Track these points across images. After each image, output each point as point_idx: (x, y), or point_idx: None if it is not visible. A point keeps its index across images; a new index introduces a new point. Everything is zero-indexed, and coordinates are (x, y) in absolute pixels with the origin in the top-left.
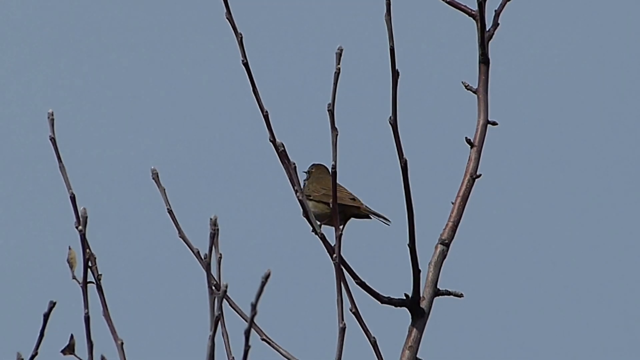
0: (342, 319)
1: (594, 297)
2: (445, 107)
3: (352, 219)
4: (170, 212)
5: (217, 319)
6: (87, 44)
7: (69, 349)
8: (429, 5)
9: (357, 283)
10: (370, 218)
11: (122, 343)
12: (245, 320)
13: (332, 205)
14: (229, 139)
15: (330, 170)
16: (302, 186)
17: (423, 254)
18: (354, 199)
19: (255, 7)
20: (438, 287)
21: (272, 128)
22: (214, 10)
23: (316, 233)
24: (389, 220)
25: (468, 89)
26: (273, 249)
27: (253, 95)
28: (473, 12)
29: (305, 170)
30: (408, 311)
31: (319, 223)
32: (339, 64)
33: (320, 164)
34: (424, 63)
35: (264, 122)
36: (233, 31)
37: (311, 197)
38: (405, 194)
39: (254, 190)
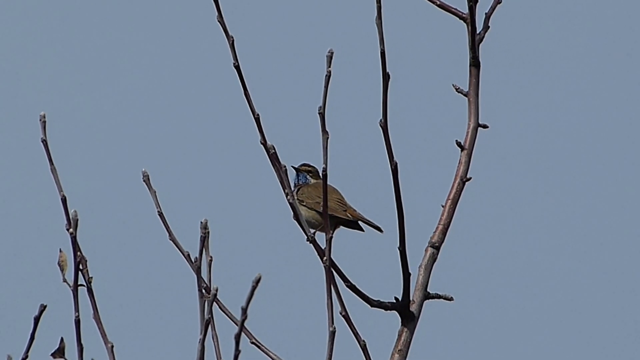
0: (332, 323)
1: (584, 299)
2: (436, 110)
3: (342, 227)
4: (160, 214)
5: (207, 323)
6: (79, 47)
7: (59, 352)
8: (420, 8)
9: (347, 286)
10: (363, 230)
11: (112, 346)
12: (236, 324)
13: (322, 209)
14: (220, 141)
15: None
16: (292, 187)
17: (413, 257)
18: (346, 209)
19: (247, 10)
20: (428, 290)
21: (263, 131)
22: (206, 13)
23: (307, 238)
24: (381, 230)
25: (459, 92)
26: (263, 252)
27: (244, 97)
28: (464, 15)
29: (296, 167)
30: (398, 314)
31: (312, 231)
32: (329, 67)
33: (314, 167)
34: (414, 66)
35: (255, 124)
36: (224, 34)
37: (304, 204)
38: (396, 197)
39: (244, 193)
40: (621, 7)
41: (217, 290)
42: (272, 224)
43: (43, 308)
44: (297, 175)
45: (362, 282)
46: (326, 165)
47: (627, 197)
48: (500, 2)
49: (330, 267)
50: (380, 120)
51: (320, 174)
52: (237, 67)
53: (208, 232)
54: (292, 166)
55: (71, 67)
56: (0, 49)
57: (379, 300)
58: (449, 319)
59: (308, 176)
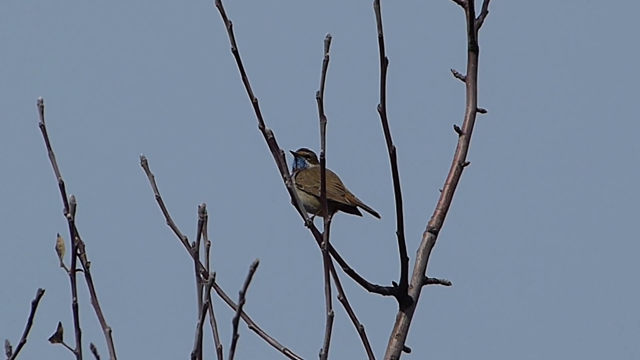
0: (330, 307)
1: (582, 286)
2: (434, 95)
3: (340, 212)
4: (158, 199)
5: (206, 307)
6: (75, 32)
7: (57, 336)
8: None
9: (345, 271)
10: (361, 215)
11: (110, 331)
12: (234, 309)
13: (320, 194)
14: (218, 126)
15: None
16: (291, 172)
17: (411, 242)
18: (344, 194)
19: None
20: (426, 275)
21: (262, 115)
22: None
23: (305, 223)
24: (378, 215)
25: (457, 77)
26: (262, 237)
27: (242, 82)
28: (462, 0)
29: (294, 152)
30: (396, 299)
31: (310, 215)
32: (327, 51)
33: (312, 152)
34: (412, 51)
35: (254, 109)
36: (223, 19)
37: (302, 188)
38: (394, 182)
39: (242, 177)
40: None
41: (215, 275)
42: (270, 208)
43: (41, 293)
44: (296, 160)
45: (360, 267)
46: (324, 150)
47: (624, 184)
48: None
49: (328, 251)
50: (379, 105)
51: (319, 159)
52: (235, 52)
53: (206, 217)
54: (291, 151)
55: (68, 52)
56: None
57: (377, 285)
58: (447, 303)
59: (306, 161)
